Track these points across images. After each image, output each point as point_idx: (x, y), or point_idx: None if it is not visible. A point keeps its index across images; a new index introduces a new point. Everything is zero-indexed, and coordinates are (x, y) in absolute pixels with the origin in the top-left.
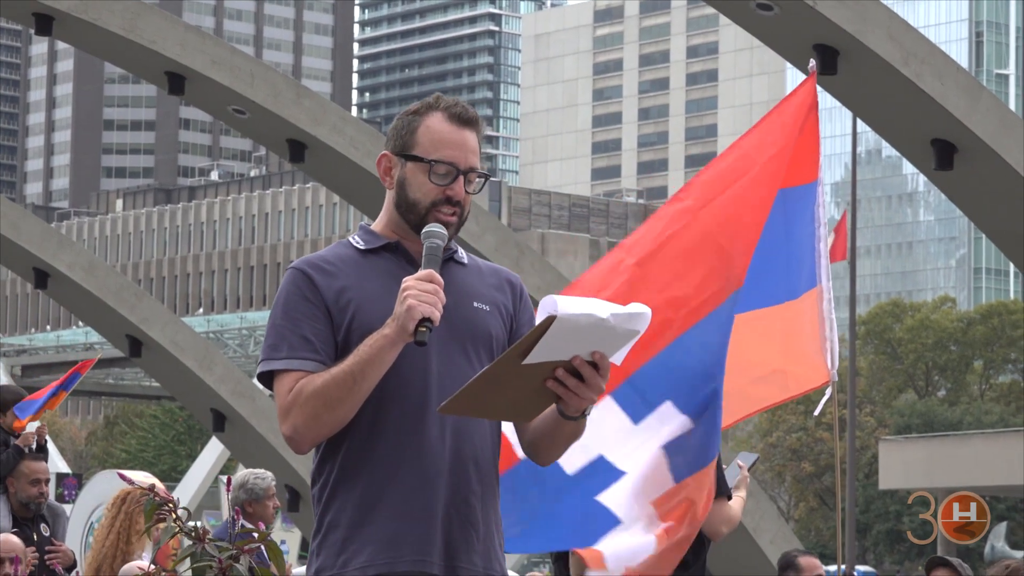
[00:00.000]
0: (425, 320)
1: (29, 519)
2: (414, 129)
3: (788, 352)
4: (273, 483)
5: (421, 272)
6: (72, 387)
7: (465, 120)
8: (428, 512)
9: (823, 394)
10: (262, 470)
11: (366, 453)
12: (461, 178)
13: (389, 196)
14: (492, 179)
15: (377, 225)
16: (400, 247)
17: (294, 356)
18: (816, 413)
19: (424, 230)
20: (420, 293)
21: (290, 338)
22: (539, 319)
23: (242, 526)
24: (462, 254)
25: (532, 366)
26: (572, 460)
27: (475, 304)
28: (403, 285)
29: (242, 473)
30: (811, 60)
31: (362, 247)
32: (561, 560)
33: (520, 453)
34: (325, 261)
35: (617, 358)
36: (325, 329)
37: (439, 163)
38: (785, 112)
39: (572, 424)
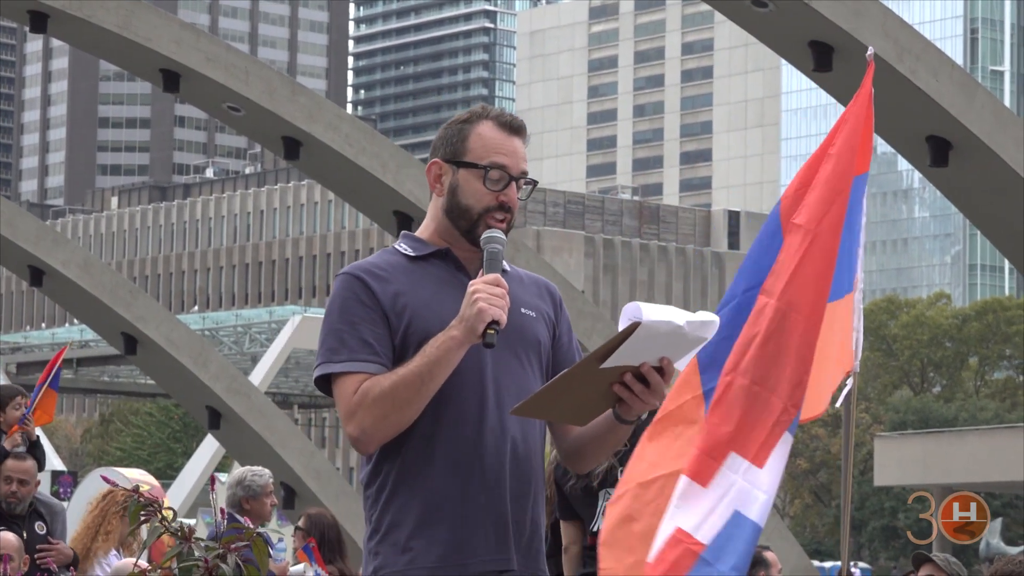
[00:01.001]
0: (493, 323)
1: (20, 518)
2: (465, 136)
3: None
4: (270, 480)
5: (488, 276)
6: (58, 383)
7: (515, 128)
8: (496, 513)
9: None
10: (259, 467)
11: (427, 455)
12: (513, 184)
13: (436, 203)
14: None
15: (423, 232)
16: (450, 254)
17: (355, 359)
18: (838, 404)
19: (484, 235)
20: (490, 296)
21: (350, 341)
22: (622, 324)
23: (231, 518)
24: (504, 264)
25: (607, 370)
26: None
27: (523, 311)
28: (471, 288)
29: (239, 470)
30: (870, 48)
31: (411, 254)
32: (554, 558)
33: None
34: (377, 267)
35: (681, 364)
36: (384, 332)
37: (493, 168)
38: (859, 102)
39: (624, 428)
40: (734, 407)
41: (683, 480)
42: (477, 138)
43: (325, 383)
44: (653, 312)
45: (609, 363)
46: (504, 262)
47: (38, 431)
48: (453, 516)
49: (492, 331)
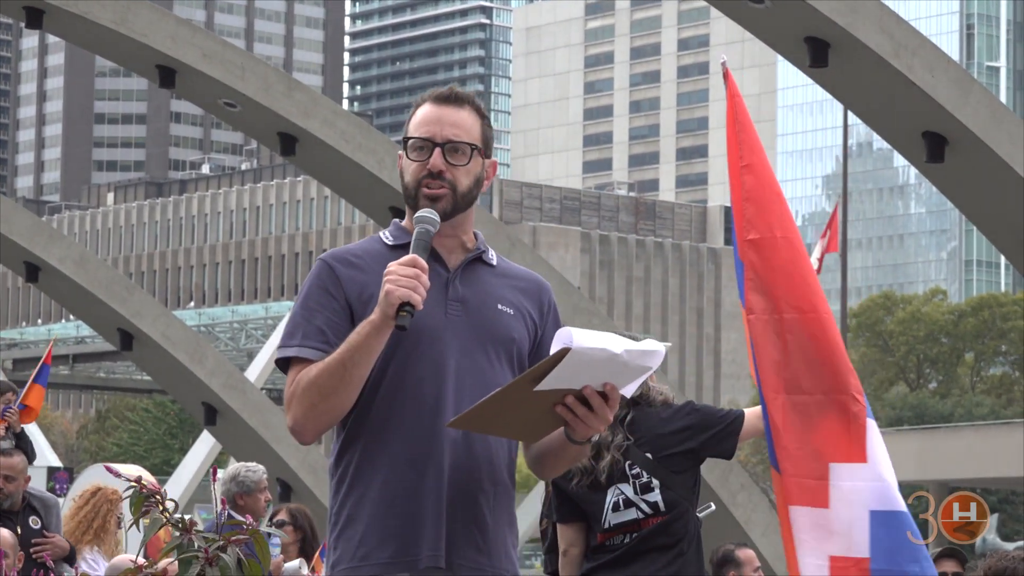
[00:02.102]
0: (405, 305)
1: (14, 513)
2: (408, 121)
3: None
4: (264, 476)
5: (405, 257)
6: (45, 379)
7: (444, 98)
8: (438, 509)
9: None
10: (254, 463)
11: (382, 449)
12: (438, 150)
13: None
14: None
15: (407, 221)
16: None
17: (305, 345)
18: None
19: (416, 215)
20: (399, 278)
21: (304, 327)
22: (554, 349)
23: (229, 516)
24: (492, 255)
25: (544, 392)
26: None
27: (499, 307)
28: (386, 269)
29: (233, 466)
30: (722, 56)
31: (390, 242)
32: (553, 554)
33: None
34: (353, 255)
35: (628, 391)
36: (341, 322)
37: (415, 139)
38: (732, 110)
39: (577, 448)
40: (799, 425)
41: (800, 511)
42: (413, 119)
43: (286, 368)
44: (585, 339)
45: (543, 386)
46: (492, 252)
47: (34, 426)
48: (407, 512)
49: (404, 313)
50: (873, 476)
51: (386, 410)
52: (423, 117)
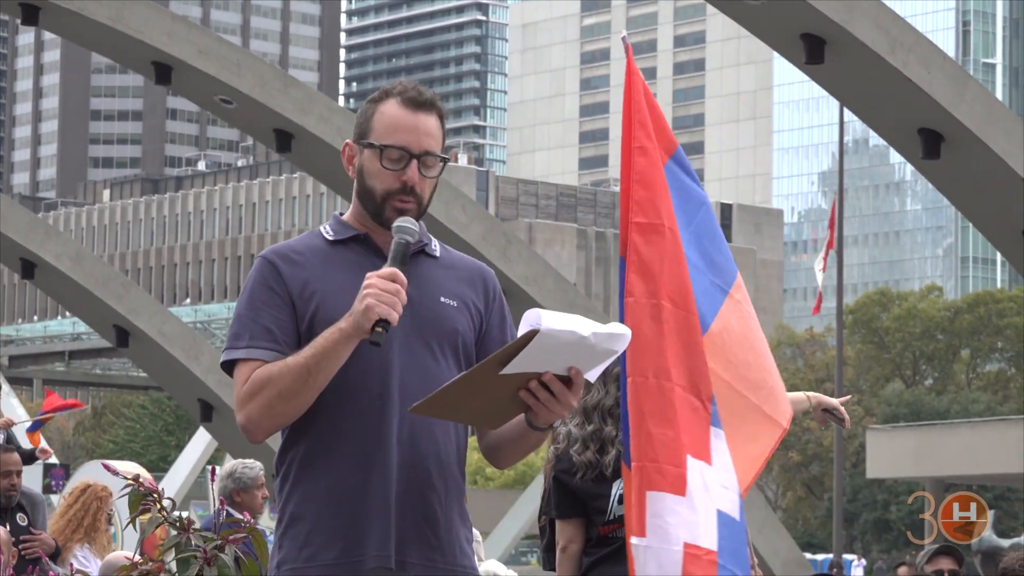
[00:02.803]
0: (381, 321)
1: (3, 510)
2: (370, 116)
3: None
4: (261, 472)
5: (384, 270)
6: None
7: (419, 103)
8: (385, 508)
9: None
10: (251, 460)
11: (327, 446)
12: (415, 163)
13: (354, 186)
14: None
15: (348, 216)
16: (368, 239)
17: (254, 345)
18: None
19: (395, 224)
20: (380, 293)
21: (251, 327)
22: (521, 331)
23: (227, 515)
24: (435, 246)
25: (510, 376)
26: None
27: (442, 299)
28: (365, 282)
29: (230, 463)
30: (623, 33)
31: (331, 238)
32: (551, 551)
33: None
34: (293, 251)
35: (592, 375)
36: (288, 320)
37: (391, 148)
38: (632, 88)
39: (537, 435)
40: (665, 411)
41: (658, 497)
42: (380, 117)
43: (231, 369)
44: (554, 320)
45: (510, 369)
46: (436, 243)
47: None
48: (353, 511)
49: (380, 329)
50: (721, 482)
51: (331, 408)
52: (396, 122)
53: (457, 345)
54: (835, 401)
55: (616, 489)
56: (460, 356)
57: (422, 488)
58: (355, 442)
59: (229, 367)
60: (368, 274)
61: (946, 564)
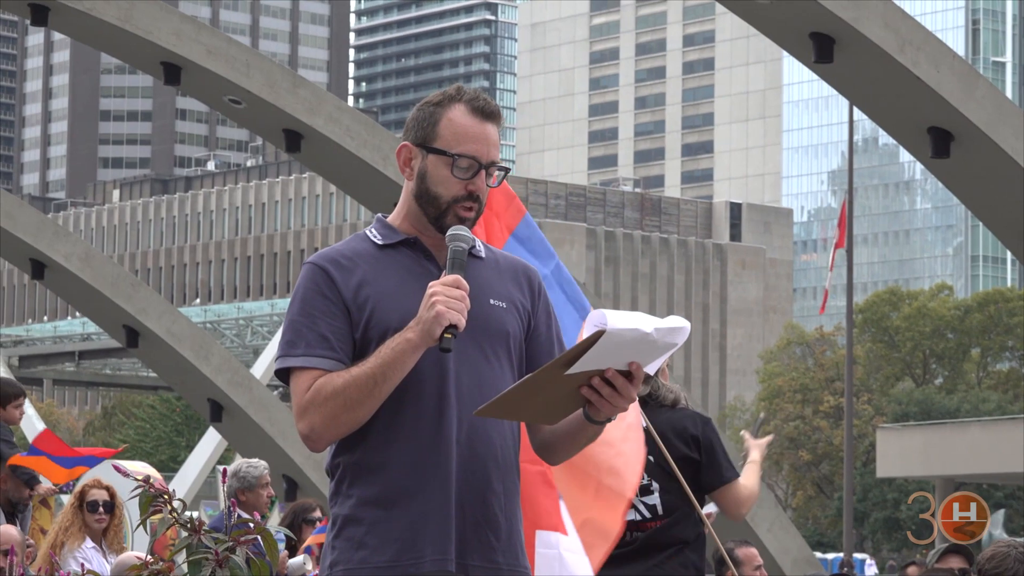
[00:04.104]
0: (451, 327)
1: (10, 512)
2: (436, 121)
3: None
4: (266, 471)
5: (448, 277)
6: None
7: (487, 113)
8: (445, 512)
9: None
10: (255, 459)
11: (384, 450)
12: (482, 172)
13: (407, 187)
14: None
15: (395, 218)
16: (418, 243)
17: (311, 354)
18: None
19: (449, 233)
20: (448, 300)
21: (307, 335)
22: (587, 332)
23: (238, 516)
24: (479, 247)
25: (574, 375)
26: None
27: (492, 301)
28: (430, 290)
29: (236, 463)
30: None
31: (380, 242)
32: None
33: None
34: (342, 256)
35: (651, 368)
36: (343, 326)
37: (462, 157)
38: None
39: (595, 428)
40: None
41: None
42: (448, 123)
43: (286, 376)
44: (618, 320)
45: (575, 369)
46: (479, 243)
47: (41, 423)
48: (409, 514)
49: (449, 335)
50: (574, 548)
51: (389, 412)
52: (467, 130)
53: (509, 346)
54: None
55: None
56: (512, 357)
57: (482, 490)
58: (413, 446)
59: (284, 374)
60: (431, 283)
61: (956, 563)
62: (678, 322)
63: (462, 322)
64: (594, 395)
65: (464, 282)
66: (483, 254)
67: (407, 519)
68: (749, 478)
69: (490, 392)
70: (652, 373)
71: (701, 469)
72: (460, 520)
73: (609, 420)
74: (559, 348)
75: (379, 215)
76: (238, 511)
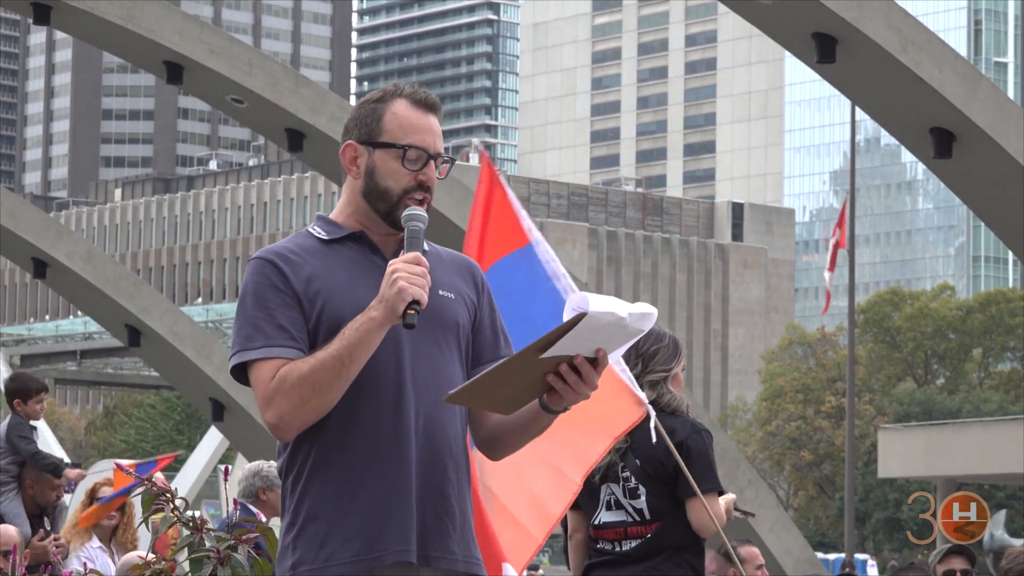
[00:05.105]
0: (414, 303)
1: (38, 515)
2: (379, 116)
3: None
4: None
5: (408, 255)
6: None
7: (429, 105)
8: (406, 502)
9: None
10: (275, 460)
11: (342, 443)
12: (432, 162)
13: (351, 185)
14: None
15: (338, 215)
16: (364, 237)
17: (272, 344)
18: (654, 441)
19: (405, 213)
20: (410, 276)
21: (265, 328)
22: (567, 315)
23: (244, 509)
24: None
25: (545, 360)
26: None
27: (440, 292)
28: (391, 267)
29: (257, 462)
30: (474, 141)
31: (325, 237)
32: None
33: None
34: (289, 251)
35: (614, 356)
36: (299, 318)
37: (411, 148)
38: (475, 207)
39: (548, 418)
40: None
41: None
42: (392, 117)
43: (242, 372)
44: (599, 303)
45: (552, 352)
46: (424, 240)
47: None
48: (370, 506)
49: (412, 311)
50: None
51: (345, 405)
52: (411, 122)
53: (459, 336)
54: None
55: (603, 495)
56: (460, 347)
57: (439, 480)
58: (371, 438)
59: (241, 371)
60: (391, 261)
61: (958, 564)
62: (646, 308)
63: (424, 298)
64: (559, 382)
65: (424, 260)
66: (427, 247)
67: (369, 513)
68: (717, 507)
69: (445, 382)
70: (612, 361)
71: (679, 475)
72: (420, 511)
73: (565, 410)
74: (503, 340)
75: (319, 213)
76: (253, 508)
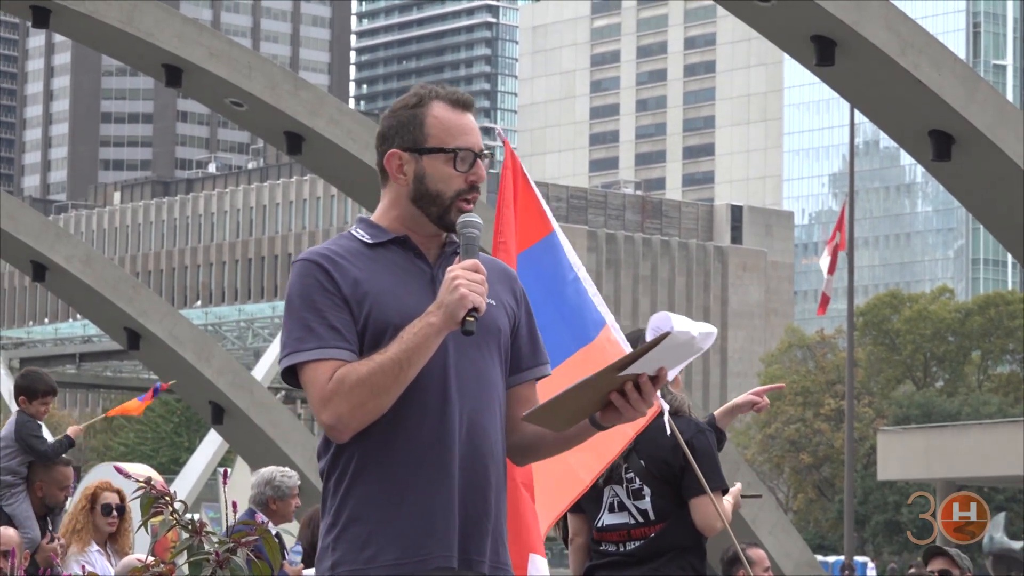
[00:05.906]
0: (473, 310)
1: (43, 516)
2: (421, 122)
3: None
4: (299, 482)
5: (467, 262)
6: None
7: (466, 104)
8: (449, 507)
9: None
10: (287, 468)
11: (386, 446)
12: (478, 160)
13: (397, 192)
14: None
15: (382, 219)
16: (408, 241)
17: (326, 345)
18: (668, 433)
19: (460, 220)
20: (470, 283)
21: (317, 329)
22: (651, 335)
23: (252, 515)
24: None
25: (618, 378)
26: None
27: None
28: (450, 273)
29: (268, 470)
30: (496, 128)
31: (369, 240)
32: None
33: None
34: (335, 254)
35: (672, 374)
36: (349, 319)
37: (460, 150)
38: (504, 195)
39: (591, 432)
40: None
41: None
42: (435, 121)
43: (292, 373)
44: (679, 323)
45: (631, 370)
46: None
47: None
48: (414, 509)
49: (472, 318)
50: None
51: (393, 408)
52: (455, 124)
53: (500, 343)
54: (736, 401)
55: (607, 497)
56: (502, 353)
57: (481, 484)
58: (415, 442)
59: (291, 372)
60: (450, 268)
61: (937, 565)
62: (709, 328)
63: (483, 305)
64: (621, 400)
65: (482, 266)
66: None
67: (412, 516)
68: (723, 505)
69: (488, 386)
70: (670, 379)
71: (684, 474)
72: (462, 515)
73: (613, 425)
74: (540, 348)
75: (360, 216)
76: (262, 515)
